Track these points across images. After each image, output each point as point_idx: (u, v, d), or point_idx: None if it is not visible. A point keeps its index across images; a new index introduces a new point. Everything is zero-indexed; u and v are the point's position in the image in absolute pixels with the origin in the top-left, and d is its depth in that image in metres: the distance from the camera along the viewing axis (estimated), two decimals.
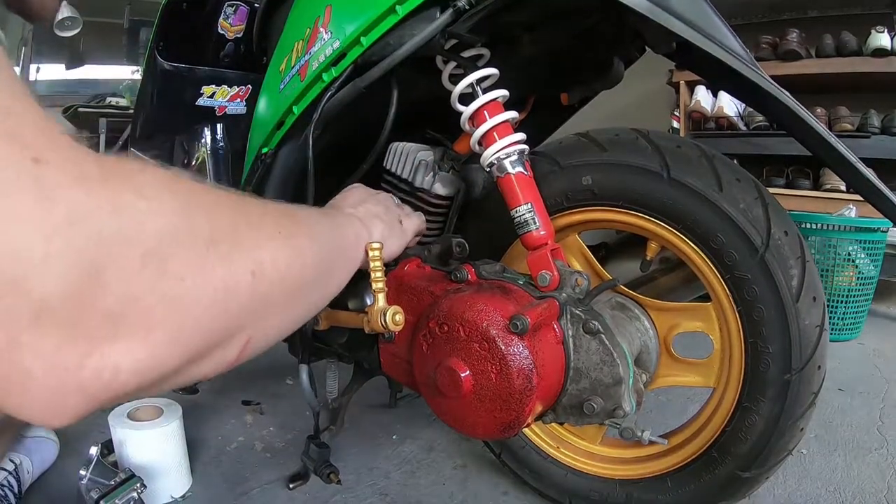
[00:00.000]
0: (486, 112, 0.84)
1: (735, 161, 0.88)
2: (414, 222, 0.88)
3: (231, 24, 1.33)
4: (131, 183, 0.35)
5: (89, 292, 0.31)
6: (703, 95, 2.97)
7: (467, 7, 0.77)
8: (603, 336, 0.78)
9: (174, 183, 0.39)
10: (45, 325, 0.30)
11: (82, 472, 0.95)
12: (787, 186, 2.81)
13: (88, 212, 0.31)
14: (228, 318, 0.42)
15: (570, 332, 0.79)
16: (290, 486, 1.12)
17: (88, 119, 3.39)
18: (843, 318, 2.19)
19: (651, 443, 0.85)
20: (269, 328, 0.49)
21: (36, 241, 0.29)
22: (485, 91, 0.84)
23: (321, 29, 0.90)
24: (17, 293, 0.29)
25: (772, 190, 0.85)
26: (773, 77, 0.77)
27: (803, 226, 2.20)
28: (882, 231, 2.17)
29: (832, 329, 2.12)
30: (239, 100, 1.37)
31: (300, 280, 0.52)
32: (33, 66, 4.17)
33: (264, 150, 1.05)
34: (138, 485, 0.96)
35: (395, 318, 0.80)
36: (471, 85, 0.84)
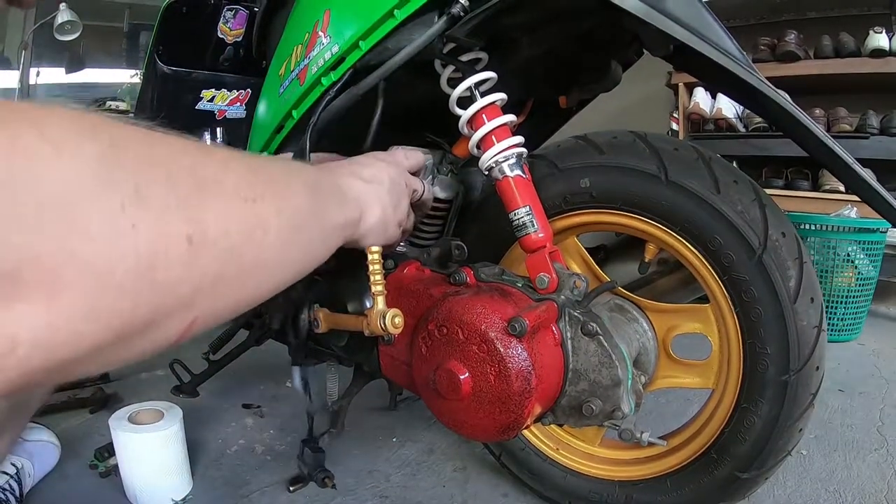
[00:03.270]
0: (484, 115, 0.85)
1: (734, 163, 0.89)
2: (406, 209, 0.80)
3: (230, 28, 1.34)
4: (36, 125, 0.30)
5: None
6: (701, 97, 2.98)
7: (465, 11, 0.78)
8: (601, 338, 0.78)
9: (96, 127, 0.34)
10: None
11: None
12: (785, 187, 2.82)
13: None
14: (159, 292, 0.35)
15: (569, 335, 0.79)
16: (291, 488, 1.13)
17: None
18: (842, 319, 2.19)
19: (650, 444, 0.85)
20: (219, 308, 0.42)
21: None
22: (483, 94, 0.85)
23: (320, 33, 0.90)
24: None
25: (770, 191, 0.85)
26: (771, 78, 0.77)
27: (802, 227, 2.20)
28: (881, 231, 2.17)
29: (832, 330, 2.14)
30: (238, 104, 1.38)
31: (258, 254, 0.44)
32: (33, 70, 4.18)
33: (264, 154, 1.05)
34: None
35: (394, 321, 0.80)
36: (469, 88, 0.85)
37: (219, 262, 0.40)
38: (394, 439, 1.36)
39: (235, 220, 0.42)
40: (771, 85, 0.76)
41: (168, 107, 1.34)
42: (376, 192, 0.71)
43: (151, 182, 0.35)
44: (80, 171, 0.31)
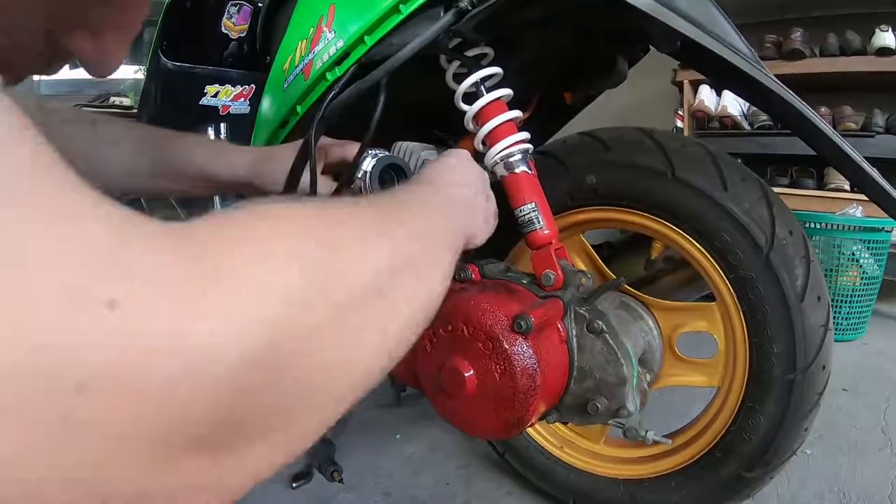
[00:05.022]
0: (490, 111, 0.84)
1: (739, 160, 0.88)
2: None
3: (235, 24, 1.33)
4: (246, 284, 0.28)
5: (225, 420, 0.26)
6: (706, 95, 2.97)
7: (471, 6, 0.77)
8: (607, 336, 0.77)
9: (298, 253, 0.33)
10: (195, 448, 0.26)
11: None
12: (791, 186, 2.81)
13: (204, 346, 0.25)
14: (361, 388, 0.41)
15: (574, 332, 0.79)
16: (294, 485, 1.13)
17: None
18: (846, 318, 2.18)
19: (655, 443, 0.85)
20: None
21: (147, 402, 0.23)
22: (489, 90, 0.84)
23: (325, 28, 0.90)
24: (133, 455, 0.23)
25: (776, 189, 0.85)
26: (777, 76, 0.77)
27: (807, 225, 2.19)
28: (886, 231, 2.16)
29: (836, 329, 2.12)
30: (243, 99, 1.37)
31: (424, 314, 0.49)
32: None
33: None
34: None
35: None
36: (475, 84, 0.84)
37: (402, 343, 0.46)
38: (397, 436, 1.35)
39: (428, 264, 0.47)
40: (779, 82, 0.75)
41: (172, 102, 1.34)
42: (473, 193, 0.72)
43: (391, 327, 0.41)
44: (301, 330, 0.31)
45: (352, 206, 0.45)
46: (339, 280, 0.34)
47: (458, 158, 0.73)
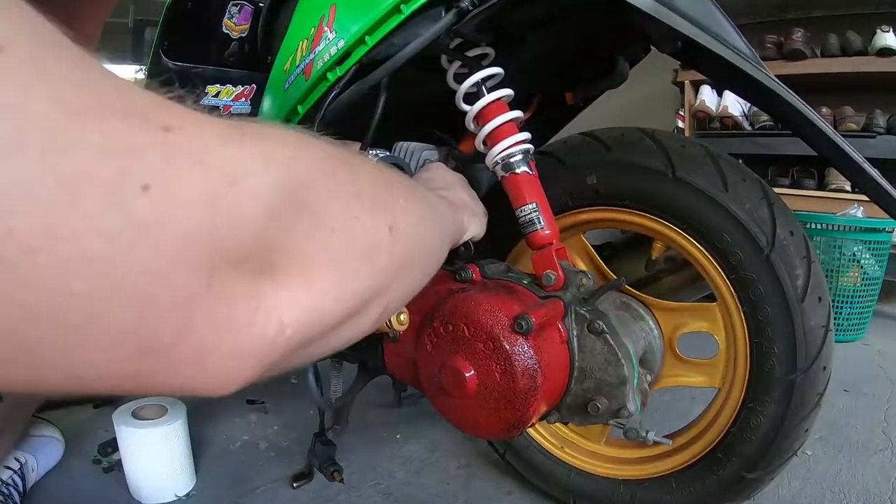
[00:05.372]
0: (490, 111, 0.84)
1: (740, 161, 0.88)
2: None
3: (236, 24, 1.33)
4: (271, 136, 0.33)
5: (258, 247, 0.30)
6: (707, 95, 2.97)
7: (472, 6, 0.77)
8: (608, 336, 0.77)
9: (308, 135, 0.38)
10: (219, 287, 0.28)
11: None
12: (791, 186, 2.81)
13: (244, 168, 0.29)
14: (375, 275, 0.41)
15: (575, 332, 0.79)
16: (294, 484, 1.13)
17: None
18: (847, 319, 2.18)
19: (655, 443, 0.85)
20: (400, 292, 0.48)
21: (201, 207, 0.26)
22: (490, 90, 0.84)
23: (326, 28, 0.90)
24: (189, 262, 0.26)
25: (777, 190, 0.85)
26: (778, 76, 0.77)
27: (808, 226, 2.19)
28: (887, 231, 2.16)
29: (837, 330, 2.12)
30: (244, 99, 1.37)
31: (423, 243, 0.51)
32: None
33: None
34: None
35: (399, 318, 0.80)
36: (476, 84, 0.84)
37: (407, 248, 0.45)
38: (398, 436, 1.35)
39: (412, 211, 0.48)
40: (780, 82, 0.75)
41: None
42: (457, 193, 0.77)
43: (360, 180, 0.41)
44: (317, 169, 0.36)
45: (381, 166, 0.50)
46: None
47: (431, 170, 0.80)
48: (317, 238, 0.34)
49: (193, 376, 0.29)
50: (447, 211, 0.68)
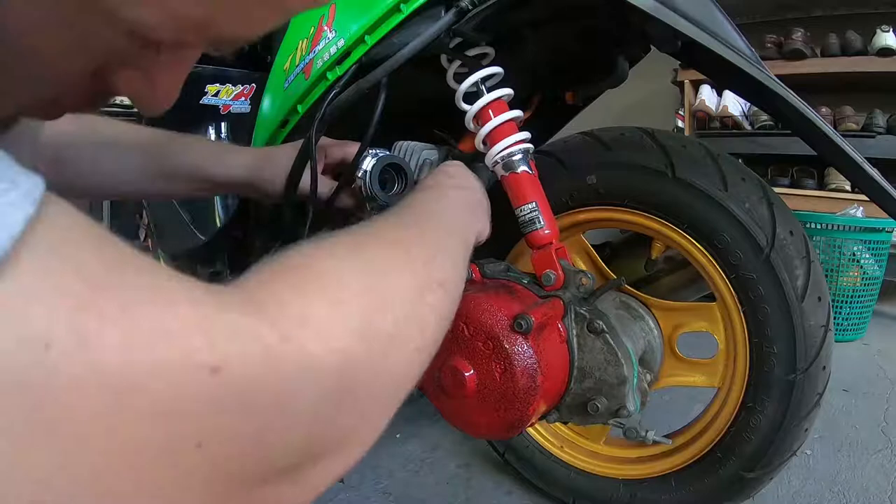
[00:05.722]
0: (490, 111, 0.84)
1: (740, 160, 0.88)
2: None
3: None
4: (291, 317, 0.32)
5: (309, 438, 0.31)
6: (707, 95, 2.97)
7: (471, 6, 0.77)
8: (607, 335, 0.77)
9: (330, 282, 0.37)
10: (269, 483, 0.29)
11: None
12: (791, 186, 2.81)
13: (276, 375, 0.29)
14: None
15: (575, 332, 0.79)
16: None
17: None
18: (847, 319, 2.19)
19: (655, 443, 0.85)
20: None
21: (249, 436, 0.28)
22: (489, 90, 0.84)
23: (325, 27, 0.90)
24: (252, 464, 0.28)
25: (776, 189, 0.85)
26: (778, 76, 0.77)
27: (808, 226, 2.19)
28: (887, 231, 2.16)
29: (837, 330, 2.11)
30: (243, 98, 1.37)
31: (459, 293, 0.52)
32: None
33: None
34: None
35: None
36: (475, 84, 0.84)
37: (451, 304, 0.48)
38: (398, 435, 1.36)
39: (450, 272, 0.50)
40: (780, 82, 0.75)
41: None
42: (475, 195, 0.77)
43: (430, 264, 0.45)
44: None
45: (377, 238, 0.49)
46: (389, 307, 0.40)
47: (455, 166, 0.78)
48: (361, 418, 0.37)
49: None
50: (461, 223, 0.67)
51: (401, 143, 1.03)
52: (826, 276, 0.89)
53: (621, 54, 1.02)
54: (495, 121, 0.83)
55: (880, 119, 2.61)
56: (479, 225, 0.73)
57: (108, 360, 0.22)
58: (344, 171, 0.89)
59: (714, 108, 2.95)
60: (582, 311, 0.79)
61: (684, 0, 0.72)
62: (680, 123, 3.13)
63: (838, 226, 2.18)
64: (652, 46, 0.95)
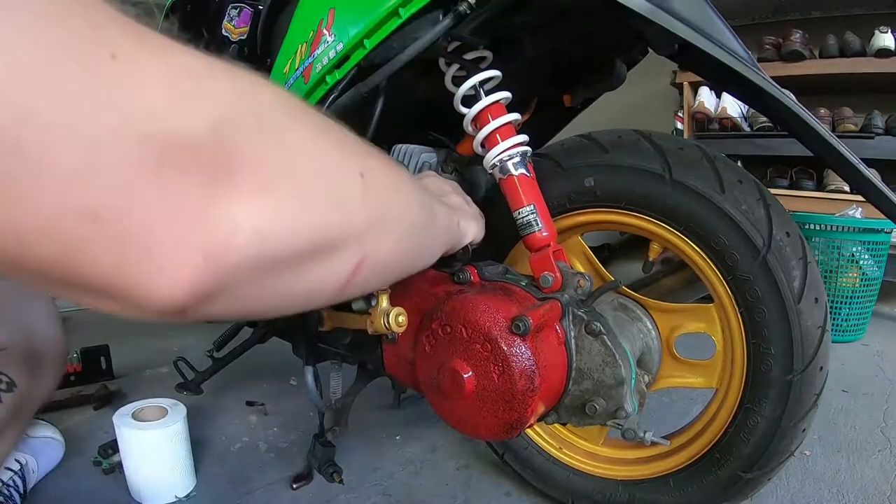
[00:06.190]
0: (488, 114, 0.85)
1: (739, 162, 0.89)
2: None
3: (235, 27, 1.33)
4: (241, 69, 0.36)
5: (212, 141, 0.30)
6: (706, 96, 2.97)
7: (469, 10, 0.78)
8: (605, 337, 0.78)
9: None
10: (168, 171, 0.28)
11: None
12: (790, 187, 2.81)
13: (211, 73, 0.32)
14: (343, 216, 0.40)
15: (573, 334, 0.79)
16: (294, 486, 1.13)
17: None
18: (846, 320, 2.19)
19: (653, 444, 0.85)
20: (382, 249, 0.47)
21: (159, 90, 0.28)
22: (487, 93, 0.85)
23: (325, 31, 0.90)
24: (140, 131, 0.27)
25: (775, 191, 0.85)
26: (776, 78, 0.77)
27: (807, 227, 2.19)
28: (886, 232, 2.16)
29: (835, 330, 2.13)
30: None
31: (402, 208, 0.52)
32: None
33: None
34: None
35: (398, 320, 0.80)
36: (474, 87, 0.85)
37: (381, 203, 0.46)
38: (397, 437, 1.36)
39: (388, 175, 0.50)
40: (776, 84, 0.76)
41: None
42: (452, 199, 0.79)
43: (326, 123, 0.43)
44: (282, 98, 0.38)
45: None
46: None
47: (425, 179, 0.81)
48: (277, 155, 0.35)
49: (139, 262, 0.29)
50: (441, 209, 0.68)
51: (400, 145, 1.03)
52: (825, 277, 0.90)
53: (619, 57, 1.03)
54: (493, 124, 0.84)
55: (879, 120, 2.61)
56: (455, 230, 0.75)
57: None
58: None
59: (713, 110, 2.95)
60: (580, 313, 0.80)
61: (681, 3, 0.72)
62: (679, 125, 3.13)
63: (837, 227, 2.19)
64: (649, 49, 0.96)
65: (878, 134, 2.59)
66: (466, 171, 1.04)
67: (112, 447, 1.21)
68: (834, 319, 2.12)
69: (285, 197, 0.35)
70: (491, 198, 1.01)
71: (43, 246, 0.26)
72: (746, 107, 2.91)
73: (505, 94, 0.85)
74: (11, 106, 0.23)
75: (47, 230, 0.26)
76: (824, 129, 0.78)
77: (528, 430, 1.06)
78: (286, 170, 0.35)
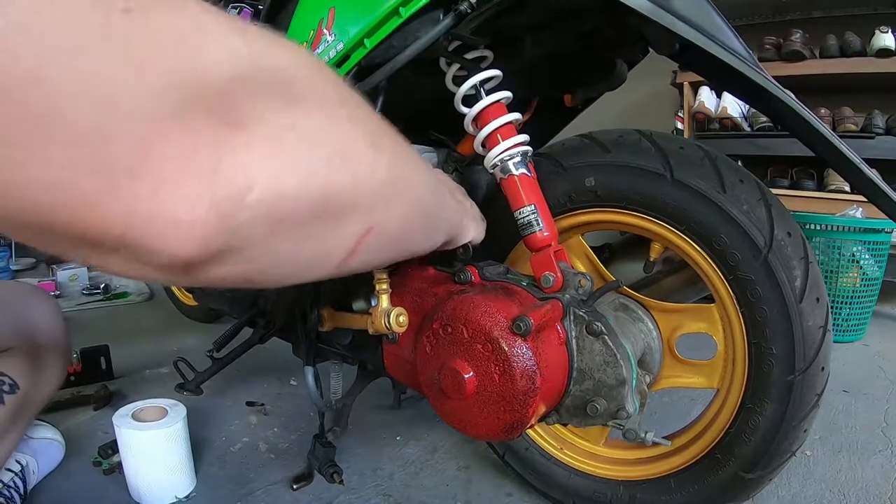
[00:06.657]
0: (489, 113, 0.84)
1: (739, 162, 0.88)
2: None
3: None
4: (259, 28, 0.35)
5: (225, 96, 0.30)
6: (706, 96, 2.97)
7: (470, 9, 0.77)
8: (606, 337, 0.78)
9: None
10: (182, 125, 0.28)
11: None
12: (791, 187, 2.81)
13: (225, 28, 0.31)
14: (352, 180, 0.40)
15: (574, 334, 0.79)
16: (294, 486, 1.13)
17: None
18: (847, 320, 2.18)
19: (654, 444, 0.85)
20: (389, 221, 0.48)
21: (176, 38, 0.28)
22: (488, 93, 0.85)
23: (325, 31, 0.90)
24: (156, 82, 0.27)
25: (776, 191, 0.85)
26: (776, 78, 0.77)
27: (807, 227, 2.19)
28: (887, 232, 2.16)
29: (836, 330, 2.13)
30: None
31: (417, 190, 0.53)
32: None
33: None
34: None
35: (398, 320, 0.80)
36: (474, 87, 0.85)
37: (391, 174, 0.46)
38: (398, 438, 1.36)
39: (400, 152, 0.50)
40: (777, 84, 0.76)
41: None
42: (456, 196, 0.79)
43: (342, 91, 0.42)
44: (300, 63, 0.37)
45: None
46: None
47: (441, 173, 0.82)
48: (290, 116, 0.35)
49: (149, 215, 0.29)
50: (449, 198, 0.69)
51: None
52: (826, 277, 0.89)
53: (619, 57, 1.03)
54: (494, 123, 0.84)
55: (879, 120, 2.61)
56: (457, 226, 0.76)
57: None
58: None
59: (713, 110, 2.95)
60: (581, 313, 0.79)
61: (682, 3, 0.72)
62: (679, 125, 3.13)
63: (838, 227, 2.18)
64: (650, 49, 0.95)
65: (879, 134, 2.59)
66: (467, 170, 1.04)
67: (112, 448, 1.20)
68: (834, 320, 2.11)
69: (294, 157, 0.35)
70: (492, 198, 1.01)
71: (57, 195, 0.26)
72: (747, 107, 2.90)
73: (505, 94, 0.85)
74: (22, 60, 0.23)
75: (60, 184, 0.26)
76: (826, 129, 0.78)
77: (529, 431, 1.06)
78: (297, 133, 0.35)
